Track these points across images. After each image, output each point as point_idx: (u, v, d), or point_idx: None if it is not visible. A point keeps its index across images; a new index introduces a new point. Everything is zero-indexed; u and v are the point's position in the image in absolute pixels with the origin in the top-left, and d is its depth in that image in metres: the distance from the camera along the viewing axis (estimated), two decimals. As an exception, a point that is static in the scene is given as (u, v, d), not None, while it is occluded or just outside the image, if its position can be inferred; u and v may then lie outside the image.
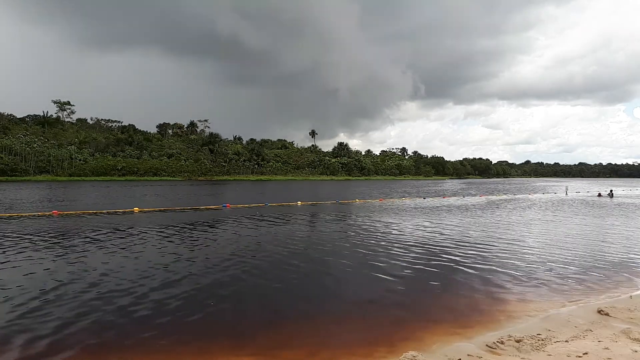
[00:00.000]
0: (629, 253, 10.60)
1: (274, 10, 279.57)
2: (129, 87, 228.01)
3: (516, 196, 38.85)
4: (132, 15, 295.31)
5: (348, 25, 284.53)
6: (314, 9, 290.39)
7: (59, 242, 11.26)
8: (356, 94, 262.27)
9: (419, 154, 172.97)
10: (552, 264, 9.23)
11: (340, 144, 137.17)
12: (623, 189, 57.42)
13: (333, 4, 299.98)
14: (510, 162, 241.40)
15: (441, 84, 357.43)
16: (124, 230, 13.49)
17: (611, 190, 39.96)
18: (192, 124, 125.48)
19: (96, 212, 19.16)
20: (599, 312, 5.92)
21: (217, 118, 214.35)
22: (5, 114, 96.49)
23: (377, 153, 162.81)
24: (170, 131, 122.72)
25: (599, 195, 38.45)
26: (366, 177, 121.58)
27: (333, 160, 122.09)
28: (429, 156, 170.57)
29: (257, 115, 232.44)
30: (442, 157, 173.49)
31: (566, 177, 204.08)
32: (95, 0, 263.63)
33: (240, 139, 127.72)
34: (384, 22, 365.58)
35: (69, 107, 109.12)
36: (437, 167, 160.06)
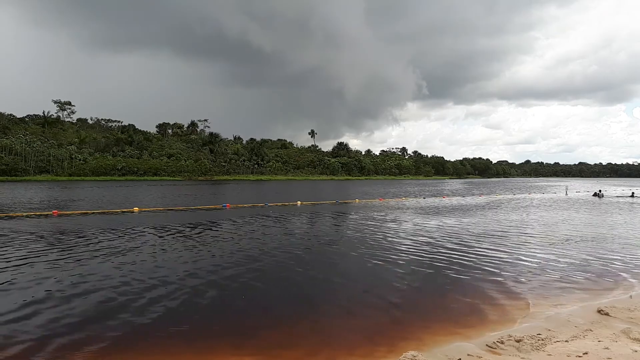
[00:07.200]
0: (629, 252, 10.60)
1: (279, 10, 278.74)
2: (129, 88, 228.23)
3: (516, 196, 38.86)
4: (132, 16, 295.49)
5: (353, 25, 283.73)
6: (319, 9, 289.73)
7: (59, 242, 11.25)
8: (361, 94, 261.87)
9: (419, 154, 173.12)
10: (552, 263, 9.22)
11: (340, 143, 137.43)
12: (623, 188, 57.39)
13: (338, 4, 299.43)
14: (510, 162, 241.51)
15: (442, 84, 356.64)
16: (124, 230, 13.49)
17: (600, 191, 40.26)
18: (192, 124, 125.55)
19: (96, 212, 19.17)
20: (599, 312, 5.91)
21: (219, 118, 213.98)
22: (5, 114, 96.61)
23: (377, 153, 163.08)
24: (170, 131, 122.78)
25: (595, 194, 38.72)
26: (366, 177, 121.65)
27: (333, 160, 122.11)
28: (429, 156, 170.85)
29: (261, 116, 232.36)
30: (442, 157, 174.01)
31: (566, 177, 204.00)
32: (98, 2, 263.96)
33: (240, 138, 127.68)
34: (388, 22, 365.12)
35: (69, 107, 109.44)
36: (437, 167, 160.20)
